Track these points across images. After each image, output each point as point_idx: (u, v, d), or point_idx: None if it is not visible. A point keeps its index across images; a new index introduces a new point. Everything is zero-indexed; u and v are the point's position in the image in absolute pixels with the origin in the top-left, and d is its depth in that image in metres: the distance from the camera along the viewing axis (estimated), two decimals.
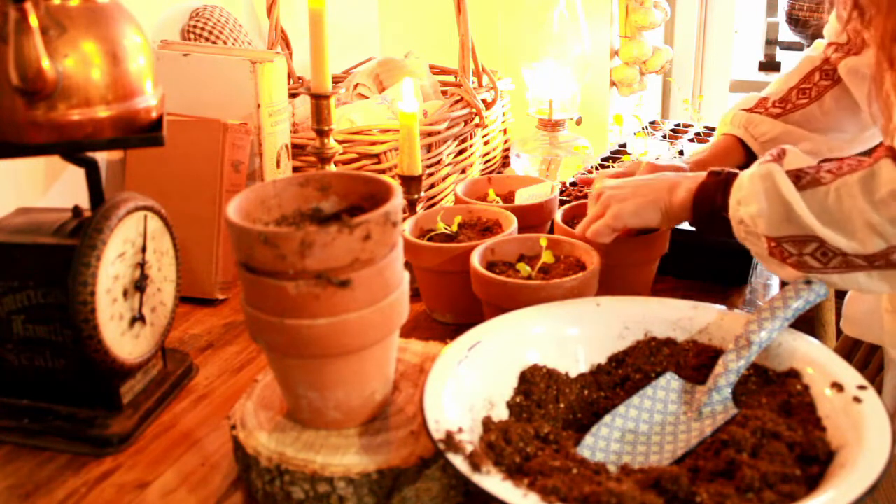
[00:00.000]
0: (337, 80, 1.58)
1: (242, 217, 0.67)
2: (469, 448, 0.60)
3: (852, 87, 1.09)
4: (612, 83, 1.91)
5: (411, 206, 1.10)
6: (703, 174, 0.88)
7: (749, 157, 1.13)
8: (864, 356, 1.61)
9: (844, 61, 1.08)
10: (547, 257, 0.92)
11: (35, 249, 0.76)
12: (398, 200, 0.67)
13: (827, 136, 1.12)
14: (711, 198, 0.85)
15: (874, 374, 1.52)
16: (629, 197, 0.92)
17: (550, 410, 0.73)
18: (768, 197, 0.77)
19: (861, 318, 1.15)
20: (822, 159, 0.94)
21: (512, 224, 1.02)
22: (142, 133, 0.76)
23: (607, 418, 0.72)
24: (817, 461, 0.61)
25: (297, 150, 1.22)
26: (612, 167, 1.35)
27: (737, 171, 0.84)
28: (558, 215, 1.05)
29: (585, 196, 1.21)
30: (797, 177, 0.78)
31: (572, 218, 1.07)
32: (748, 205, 0.79)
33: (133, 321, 0.81)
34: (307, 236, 0.61)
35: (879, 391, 1.31)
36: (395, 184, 0.70)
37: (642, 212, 0.91)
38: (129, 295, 0.80)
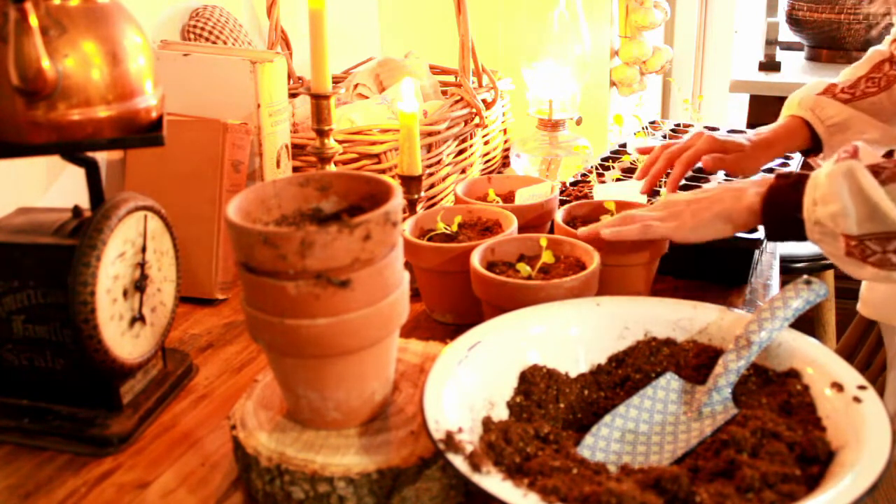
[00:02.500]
0: (337, 80, 1.58)
1: (242, 217, 0.67)
2: (469, 448, 0.60)
3: None
4: (612, 83, 1.91)
5: (411, 206, 1.10)
6: (769, 178, 0.87)
7: (813, 141, 1.13)
8: (865, 357, 1.61)
9: None
10: (547, 257, 0.92)
11: (35, 249, 0.76)
12: (398, 200, 0.67)
13: (893, 126, 1.12)
14: (784, 200, 0.84)
15: (876, 375, 1.52)
16: (697, 213, 0.90)
17: (550, 410, 0.73)
18: (852, 195, 0.77)
19: (880, 300, 1.17)
20: (886, 152, 0.95)
21: (512, 224, 1.02)
22: (142, 133, 0.76)
23: (607, 418, 0.72)
24: (817, 461, 0.61)
25: (297, 150, 1.22)
26: (613, 167, 1.35)
27: (806, 172, 0.84)
28: (558, 215, 1.05)
29: (585, 196, 1.21)
30: (875, 172, 0.77)
31: (572, 218, 1.07)
32: (827, 204, 0.78)
33: (133, 321, 0.81)
34: (307, 236, 0.61)
35: (881, 392, 1.31)
36: (396, 184, 0.70)
37: (706, 227, 0.90)
38: (129, 295, 0.80)
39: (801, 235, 0.82)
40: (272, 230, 0.63)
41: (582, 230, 0.98)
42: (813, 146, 1.14)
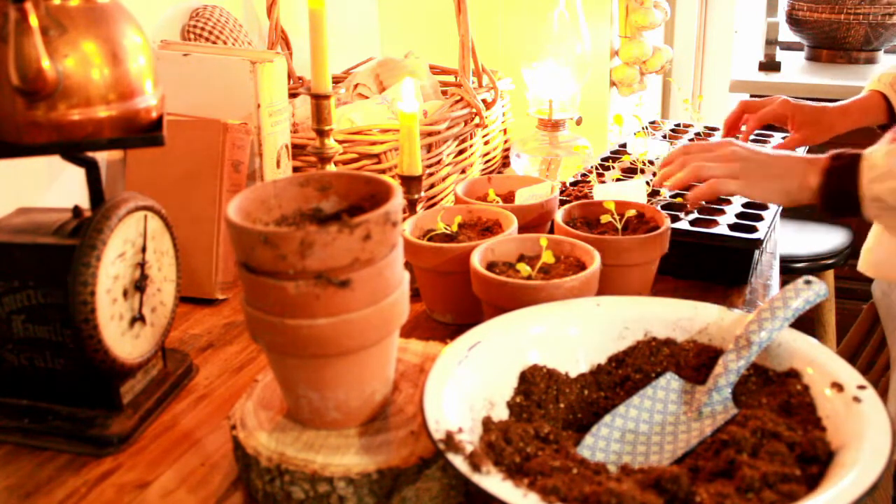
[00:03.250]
0: (337, 80, 1.58)
1: (242, 217, 0.67)
2: (469, 448, 0.60)
3: None
4: (612, 83, 1.91)
5: (411, 206, 1.10)
6: (823, 158, 0.93)
7: (890, 115, 1.20)
8: (868, 358, 1.61)
9: None
10: (547, 257, 0.92)
11: (35, 249, 0.76)
12: (398, 200, 0.67)
13: None
14: (841, 179, 0.90)
15: (878, 377, 1.52)
16: (763, 178, 0.96)
17: (550, 410, 0.73)
18: None
19: (883, 259, 1.22)
20: None
21: (512, 224, 1.02)
22: (142, 133, 0.76)
23: (607, 418, 0.72)
24: (817, 461, 0.61)
25: (297, 150, 1.22)
26: (613, 167, 1.35)
27: (858, 152, 0.90)
28: (558, 215, 1.05)
29: (585, 196, 1.21)
30: None
31: (572, 218, 1.07)
32: (885, 181, 0.86)
33: (133, 321, 0.81)
34: (307, 236, 0.61)
35: (884, 392, 1.31)
36: (396, 184, 0.70)
37: (768, 194, 0.96)
38: (129, 295, 0.80)
39: (857, 212, 0.90)
40: (272, 230, 0.63)
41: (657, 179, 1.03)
42: (890, 121, 1.20)
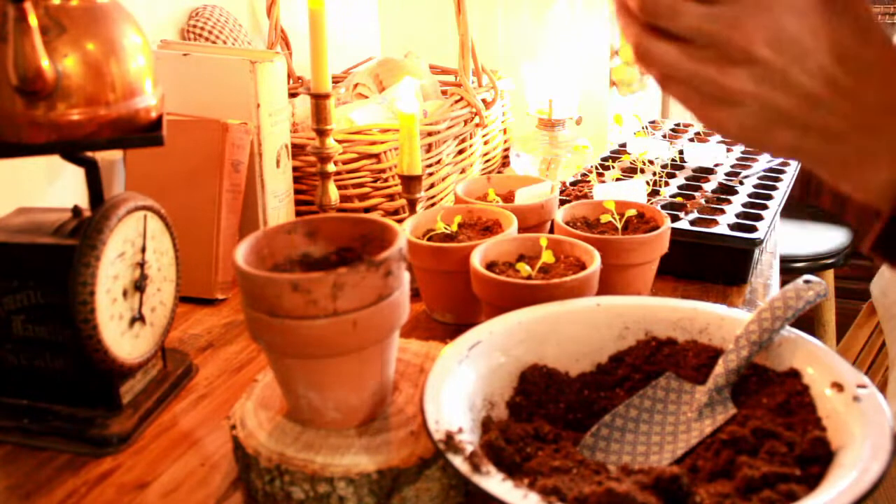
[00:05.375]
0: (337, 80, 1.58)
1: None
2: (469, 448, 0.60)
3: None
4: (612, 83, 1.91)
5: (411, 206, 1.10)
6: None
7: None
8: (868, 357, 1.61)
9: None
10: (547, 257, 0.92)
11: (35, 249, 0.76)
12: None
13: None
14: None
15: (877, 376, 1.52)
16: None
17: (550, 410, 0.73)
18: None
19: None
20: None
21: (512, 224, 1.02)
22: (142, 133, 0.76)
23: (607, 418, 0.72)
24: (817, 461, 0.61)
25: (296, 149, 1.22)
26: (613, 166, 1.35)
27: None
28: (558, 215, 1.05)
29: (585, 196, 1.21)
30: None
31: (572, 218, 1.07)
32: None
33: (133, 321, 0.81)
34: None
35: (883, 391, 1.31)
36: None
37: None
38: (128, 295, 0.80)
39: None
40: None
41: None
42: None
